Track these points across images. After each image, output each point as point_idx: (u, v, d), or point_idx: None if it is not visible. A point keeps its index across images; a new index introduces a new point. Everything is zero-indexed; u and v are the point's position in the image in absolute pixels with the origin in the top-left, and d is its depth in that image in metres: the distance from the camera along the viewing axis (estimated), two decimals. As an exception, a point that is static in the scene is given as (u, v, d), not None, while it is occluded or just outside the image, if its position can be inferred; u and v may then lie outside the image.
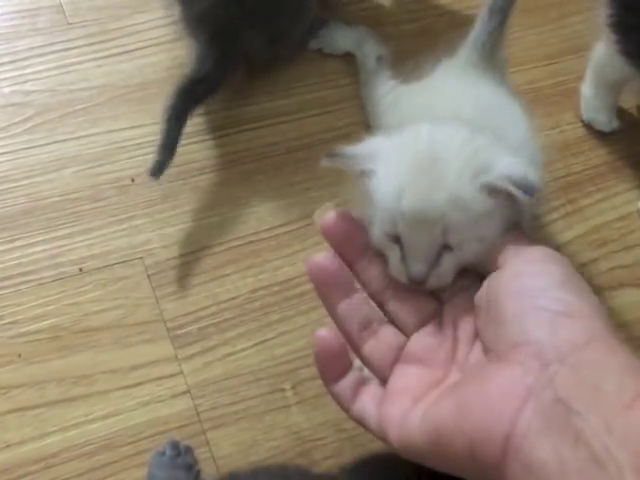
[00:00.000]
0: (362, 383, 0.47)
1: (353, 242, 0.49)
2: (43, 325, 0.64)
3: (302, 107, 0.80)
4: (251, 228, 0.72)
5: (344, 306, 0.48)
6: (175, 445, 0.56)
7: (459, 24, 0.89)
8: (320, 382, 0.62)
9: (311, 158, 0.75)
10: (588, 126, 0.83)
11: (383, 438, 0.44)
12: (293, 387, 0.64)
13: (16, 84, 0.78)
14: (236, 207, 0.73)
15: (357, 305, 0.48)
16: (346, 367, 0.47)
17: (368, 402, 0.46)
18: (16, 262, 0.67)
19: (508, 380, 0.39)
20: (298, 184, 0.75)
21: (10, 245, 0.68)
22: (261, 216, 0.73)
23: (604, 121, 0.82)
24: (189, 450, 0.56)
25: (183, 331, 0.65)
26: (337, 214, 0.49)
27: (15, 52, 0.81)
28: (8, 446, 0.58)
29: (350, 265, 0.49)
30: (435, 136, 0.48)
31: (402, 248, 0.47)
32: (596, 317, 0.40)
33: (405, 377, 0.46)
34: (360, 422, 0.46)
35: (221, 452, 0.60)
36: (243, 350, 0.65)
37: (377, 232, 0.48)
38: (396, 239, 0.47)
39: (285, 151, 0.77)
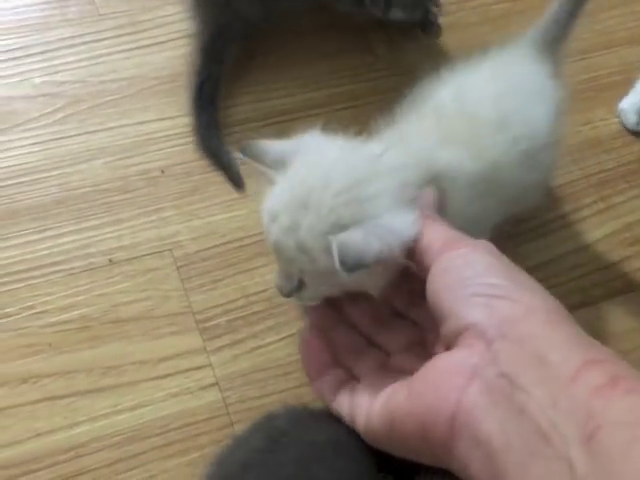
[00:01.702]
0: (343, 382, 0.50)
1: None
2: (73, 315, 0.64)
3: (332, 100, 0.80)
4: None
5: (330, 332, 0.53)
6: None
7: (493, 18, 0.89)
8: None
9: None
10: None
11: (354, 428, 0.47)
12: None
13: (47, 75, 0.78)
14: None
15: (343, 332, 0.53)
16: (326, 365, 0.51)
17: (343, 399, 0.49)
18: (47, 252, 0.67)
19: (453, 362, 0.40)
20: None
21: (41, 235, 0.68)
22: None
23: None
24: None
25: (212, 323, 0.65)
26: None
27: (46, 43, 0.81)
28: (38, 435, 0.59)
29: (339, 307, 0.53)
30: (314, 178, 0.47)
31: None
32: (532, 295, 0.41)
33: (378, 375, 0.48)
34: (338, 415, 0.49)
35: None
36: (271, 343, 0.65)
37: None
38: None
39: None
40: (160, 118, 0.77)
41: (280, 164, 0.49)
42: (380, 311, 0.52)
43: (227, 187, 0.73)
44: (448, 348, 0.42)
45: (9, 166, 0.72)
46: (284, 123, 0.77)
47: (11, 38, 0.81)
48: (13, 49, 0.80)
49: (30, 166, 0.72)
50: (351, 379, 0.50)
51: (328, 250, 0.45)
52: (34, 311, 0.64)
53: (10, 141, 0.74)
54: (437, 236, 0.46)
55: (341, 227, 0.45)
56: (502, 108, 0.55)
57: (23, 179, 0.71)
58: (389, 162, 0.49)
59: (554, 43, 0.63)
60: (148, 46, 0.82)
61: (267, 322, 0.66)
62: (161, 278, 0.67)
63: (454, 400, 0.38)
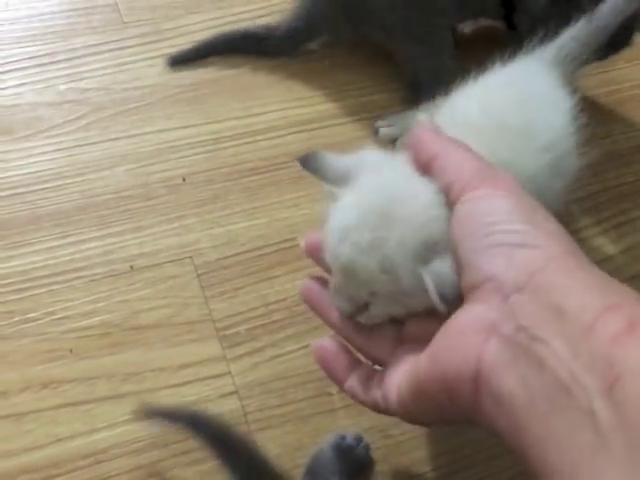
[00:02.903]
0: (371, 376, 0.48)
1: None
2: (94, 321, 0.65)
3: (354, 110, 0.80)
4: (300, 231, 0.72)
5: (336, 316, 0.50)
6: (359, 438, 0.58)
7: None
8: None
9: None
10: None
11: (388, 411, 0.46)
12: (340, 391, 0.63)
13: (72, 81, 0.79)
14: (286, 209, 0.73)
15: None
16: (349, 366, 0.49)
17: (376, 389, 0.47)
18: (69, 258, 0.68)
19: (471, 319, 0.39)
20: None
21: (64, 241, 0.69)
22: (311, 219, 0.73)
23: None
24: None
25: (232, 331, 0.66)
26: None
27: (71, 50, 0.82)
28: (59, 440, 0.59)
29: None
30: (396, 191, 0.45)
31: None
32: (552, 241, 0.39)
33: (401, 352, 0.47)
34: (374, 409, 0.48)
35: (268, 454, 0.60)
36: (291, 352, 0.65)
37: (325, 255, 0.47)
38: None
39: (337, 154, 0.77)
40: (182, 126, 0.78)
41: (343, 180, 0.46)
42: None
43: (248, 195, 0.74)
44: (465, 300, 0.41)
45: (33, 172, 0.73)
46: (308, 132, 0.78)
47: (37, 45, 0.82)
48: (39, 56, 0.81)
49: (53, 172, 0.73)
50: (375, 372, 0.49)
51: (416, 272, 0.43)
52: (55, 317, 0.65)
53: (34, 147, 0.74)
54: (462, 168, 0.44)
55: (432, 245, 0.43)
56: (526, 114, 0.55)
57: (46, 185, 0.72)
58: None
59: (571, 59, 0.63)
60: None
61: (287, 331, 0.66)
62: (181, 285, 0.68)
63: (474, 358, 0.38)
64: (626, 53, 0.89)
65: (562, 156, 0.57)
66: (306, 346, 0.65)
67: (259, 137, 0.77)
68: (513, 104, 0.56)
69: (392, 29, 0.80)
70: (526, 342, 0.36)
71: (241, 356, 0.64)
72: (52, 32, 0.83)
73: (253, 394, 0.63)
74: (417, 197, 0.44)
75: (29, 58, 0.80)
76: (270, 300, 0.68)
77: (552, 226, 0.41)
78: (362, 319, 0.48)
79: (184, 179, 0.74)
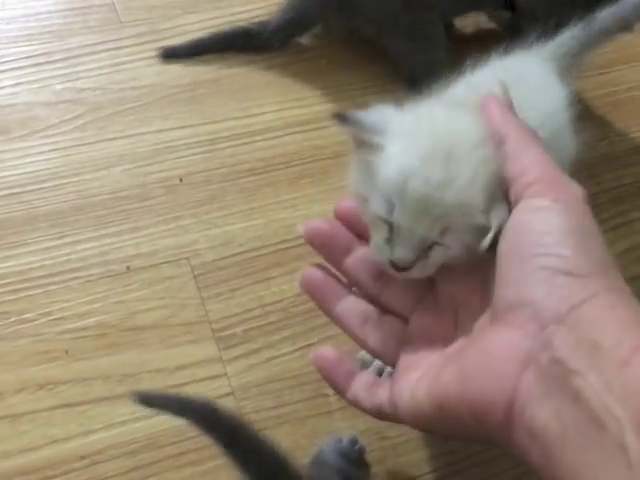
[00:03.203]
0: (374, 383, 0.48)
1: (338, 243, 0.50)
2: (90, 322, 0.65)
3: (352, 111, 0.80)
4: (297, 231, 0.72)
5: (340, 308, 0.50)
6: (354, 441, 0.58)
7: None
8: None
9: (359, 163, 0.75)
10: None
11: (395, 417, 0.46)
12: (336, 393, 0.63)
13: (68, 81, 0.79)
14: (283, 210, 0.73)
15: (353, 304, 0.50)
16: (351, 374, 0.49)
17: (382, 394, 0.47)
18: (65, 258, 0.68)
19: (507, 345, 0.39)
20: (345, 188, 0.74)
21: (60, 241, 0.69)
22: (308, 219, 0.72)
23: None
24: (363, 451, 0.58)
25: (228, 333, 0.65)
26: (318, 220, 0.51)
27: (67, 49, 0.82)
28: (54, 441, 0.59)
29: (339, 266, 0.51)
30: (453, 125, 0.46)
31: (392, 230, 0.45)
32: (598, 273, 0.39)
33: (411, 354, 0.47)
34: (378, 415, 0.48)
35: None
36: (287, 354, 0.65)
37: (371, 211, 0.46)
38: (388, 221, 0.45)
39: (333, 155, 0.77)
40: (179, 126, 0.78)
41: (381, 130, 0.46)
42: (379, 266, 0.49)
43: (245, 196, 0.73)
44: (496, 317, 0.41)
45: (29, 172, 0.73)
46: (306, 133, 0.78)
47: (33, 44, 0.81)
48: (35, 55, 0.81)
49: (49, 172, 0.73)
50: (377, 379, 0.49)
51: (488, 207, 0.43)
52: (51, 317, 0.64)
53: (30, 147, 0.74)
54: (529, 165, 0.43)
55: (500, 179, 0.44)
56: (513, 94, 0.55)
57: (42, 185, 0.72)
58: None
59: (569, 57, 0.63)
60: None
61: (283, 332, 0.66)
62: (178, 286, 0.68)
63: (510, 387, 0.38)
64: (623, 55, 0.89)
65: (553, 138, 0.56)
66: (302, 348, 0.65)
67: (257, 138, 0.77)
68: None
69: (382, 23, 0.80)
70: (561, 374, 0.36)
71: (237, 357, 0.64)
72: (48, 32, 0.82)
73: (249, 395, 0.63)
74: (476, 132, 0.45)
75: (25, 57, 0.80)
76: (266, 301, 0.67)
77: (602, 255, 0.40)
78: (416, 271, 0.46)
79: (181, 179, 0.74)
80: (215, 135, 0.77)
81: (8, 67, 0.80)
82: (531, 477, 0.38)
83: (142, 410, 0.60)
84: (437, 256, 0.45)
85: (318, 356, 0.50)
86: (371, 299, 0.50)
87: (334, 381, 0.50)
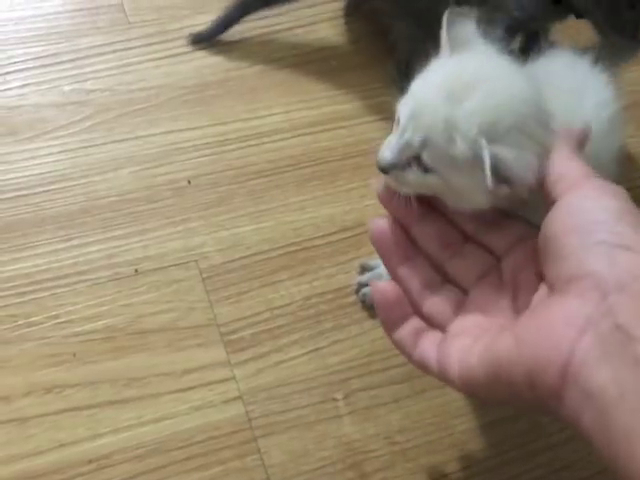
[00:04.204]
0: (422, 330, 0.48)
1: (409, 207, 0.49)
2: (98, 325, 0.64)
3: (361, 113, 0.79)
4: (306, 234, 0.71)
5: (405, 268, 0.49)
6: None
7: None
8: (372, 393, 0.63)
9: (368, 165, 0.75)
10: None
11: (444, 379, 0.46)
12: (345, 397, 0.63)
13: (76, 82, 0.79)
14: (291, 212, 0.73)
15: (418, 267, 0.49)
16: (405, 315, 0.48)
17: (428, 346, 0.47)
18: (73, 261, 0.67)
19: (566, 311, 0.39)
20: (354, 190, 0.75)
21: (67, 244, 0.68)
22: (316, 222, 0.72)
23: None
24: None
25: (236, 336, 0.65)
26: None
27: (76, 50, 0.81)
28: (61, 445, 0.59)
29: (407, 230, 0.50)
30: (491, 66, 0.47)
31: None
32: None
33: (466, 321, 0.47)
34: (421, 366, 0.47)
35: (272, 460, 0.59)
36: (295, 358, 0.65)
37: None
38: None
39: (342, 157, 0.77)
40: (188, 128, 0.77)
41: (463, 45, 0.49)
42: (450, 235, 0.50)
43: (253, 199, 0.73)
44: (553, 289, 0.41)
45: (36, 174, 0.72)
46: (314, 134, 0.78)
47: (41, 45, 0.81)
48: (43, 56, 0.80)
49: (57, 174, 0.73)
50: (429, 327, 0.49)
51: (475, 145, 0.44)
52: (59, 320, 0.64)
53: (38, 149, 0.74)
54: (571, 169, 0.44)
55: (504, 130, 0.44)
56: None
57: (50, 187, 0.72)
58: None
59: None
60: (177, 55, 0.83)
61: (291, 336, 0.66)
62: (186, 289, 0.67)
63: (566, 350, 0.38)
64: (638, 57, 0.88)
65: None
66: (310, 351, 0.65)
67: (265, 139, 0.77)
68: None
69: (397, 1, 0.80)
70: (623, 341, 0.36)
71: (246, 361, 0.64)
72: (57, 32, 0.82)
73: (257, 399, 0.62)
74: (506, 79, 0.46)
75: (33, 59, 0.80)
76: (275, 305, 0.67)
77: None
78: (392, 179, 0.47)
79: (189, 182, 0.73)
80: (223, 137, 0.77)
81: (16, 68, 0.79)
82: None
83: (149, 414, 0.60)
84: (411, 177, 0.47)
85: (378, 288, 0.49)
86: (435, 267, 0.50)
87: (387, 317, 0.49)
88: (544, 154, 0.45)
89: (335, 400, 0.63)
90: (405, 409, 0.63)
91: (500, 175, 0.43)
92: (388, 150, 0.47)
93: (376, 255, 0.52)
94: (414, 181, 0.47)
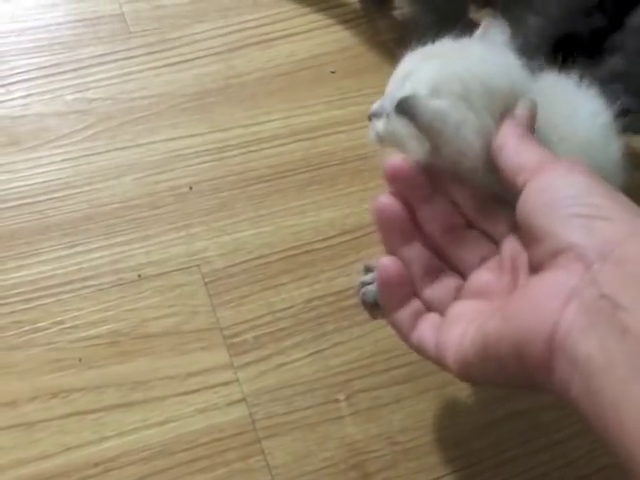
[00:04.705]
0: (421, 313, 0.48)
1: (415, 188, 0.49)
2: (102, 330, 0.65)
3: (359, 117, 0.80)
4: (306, 238, 0.72)
5: (406, 251, 0.49)
6: None
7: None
8: (374, 394, 0.64)
9: (367, 169, 0.75)
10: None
11: (441, 364, 0.45)
12: (347, 398, 0.64)
13: (78, 92, 0.80)
14: (292, 217, 0.73)
15: (419, 250, 0.49)
16: (406, 297, 0.48)
17: (426, 329, 0.47)
18: (77, 267, 0.68)
19: (551, 284, 0.39)
20: (353, 194, 0.75)
21: (71, 250, 0.69)
22: (317, 226, 0.73)
23: None
24: None
25: (239, 339, 0.66)
26: (402, 159, 0.48)
27: (77, 60, 0.82)
28: (67, 449, 0.59)
29: (411, 212, 0.50)
30: (471, 47, 0.50)
31: None
32: (632, 215, 0.39)
33: (463, 307, 0.47)
34: (418, 350, 0.47)
35: (276, 461, 0.60)
36: (298, 360, 0.65)
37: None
38: None
39: (341, 162, 0.77)
40: (189, 135, 0.78)
41: None
42: (453, 219, 0.50)
43: (254, 204, 0.74)
44: (539, 270, 0.41)
45: (40, 182, 0.73)
46: (313, 140, 0.79)
47: (44, 55, 0.82)
48: (45, 67, 0.81)
49: (61, 182, 0.73)
50: (427, 310, 0.49)
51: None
52: (64, 326, 0.65)
53: (41, 157, 0.75)
54: (533, 155, 0.44)
55: (438, 92, 0.46)
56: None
57: (54, 195, 0.72)
58: None
59: None
60: (177, 63, 0.84)
61: (293, 338, 0.66)
62: (189, 294, 0.68)
63: (551, 321, 0.38)
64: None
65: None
66: (313, 353, 0.66)
67: (264, 145, 0.78)
68: None
69: None
70: (608, 309, 0.36)
71: (248, 364, 0.65)
72: (58, 43, 0.83)
73: (261, 402, 0.63)
74: (478, 58, 0.48)
75: (36, 69, 0.81)
76: (276, 308, 0.68)
77: (629, 202, 0.40)
78: (370, 127, 0.53)
79: (191, 188, 0.74)
80: (224, 143, 0.78)
81: (19, 79, 0.80)
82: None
83: (154, 417, 0.61)
84: (379, 124, 0.51)
85: (382, 266, 0.48)
86: (436, 251, 0.50)
87: (389, 297, 0.49)
88: (480, 131, 0.46)
89: (337, 401, 0.64)
90: (407, 409, 0.64)
91: (406, 110, 0.46)
92: (374, 105, 0.52)
93: (377, 257, 0.52)
94: (380, 128, 0.51)
